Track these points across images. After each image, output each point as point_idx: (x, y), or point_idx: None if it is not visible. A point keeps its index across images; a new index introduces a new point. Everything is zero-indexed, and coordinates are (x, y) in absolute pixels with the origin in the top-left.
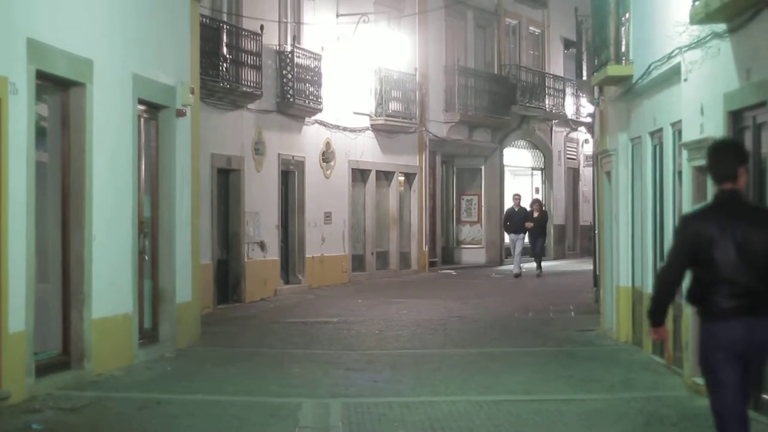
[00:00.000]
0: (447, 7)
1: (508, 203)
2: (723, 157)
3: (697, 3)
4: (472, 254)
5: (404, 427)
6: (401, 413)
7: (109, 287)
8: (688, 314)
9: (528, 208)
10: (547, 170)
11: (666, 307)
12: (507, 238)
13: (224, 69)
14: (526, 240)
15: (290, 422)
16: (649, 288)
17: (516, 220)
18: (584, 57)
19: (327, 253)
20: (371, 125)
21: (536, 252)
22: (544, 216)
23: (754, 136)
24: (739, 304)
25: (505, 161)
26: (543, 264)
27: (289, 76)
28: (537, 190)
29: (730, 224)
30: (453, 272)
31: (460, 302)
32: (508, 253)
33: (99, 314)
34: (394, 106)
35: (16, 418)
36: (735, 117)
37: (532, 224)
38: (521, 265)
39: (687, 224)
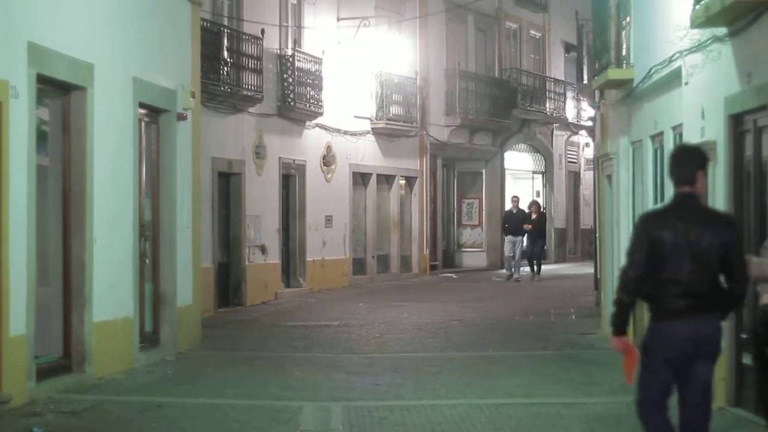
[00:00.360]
0: (448, 11)
1: (509, 206)
2: (683, 161)
3: (697, 7)
4: (473, 257)
5: (405, 431)
6: (402, 417)
7: (110, 290)
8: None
9: (526, 210)
10: (548, 174)
11: (630, 309)
12: (505, 240)
13: (225, 73)
14: (525, 242)
15: (291, 426)
16: None
17: (514, 223)
18: (585, 60)
19: (328, 256)
20: (372, 129)
21: (535, 254)
22: (542, 218)
23: (755, 140)
24: (689, 304)
25: (506, 165)
26: (544, 267)
27: (290, 79)
28: (538, 194)
29: (685, 226)
30: (454, 275)
31: (460, 305)
32: None
33: (100, 317)
34: (394, 109)
35: (16, 421)
36: (736, 120)
37: (530, 226)
38: (521, 268)
39: (644, 225)
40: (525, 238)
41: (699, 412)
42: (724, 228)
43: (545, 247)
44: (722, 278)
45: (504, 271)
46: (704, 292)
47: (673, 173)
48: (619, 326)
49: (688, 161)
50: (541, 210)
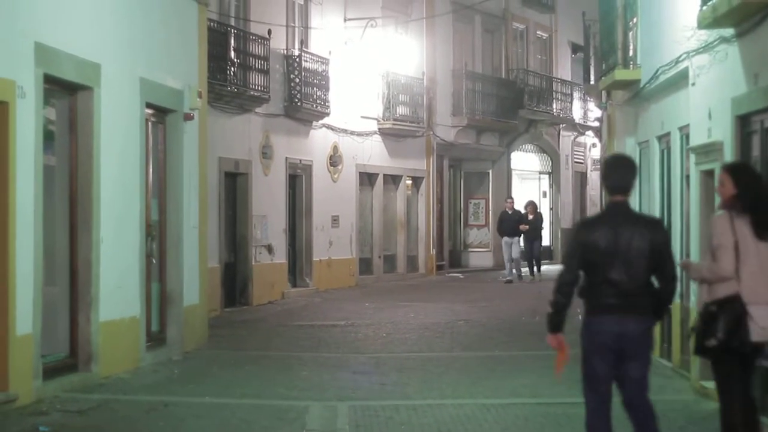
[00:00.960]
0: (454, 11)
1: (516, 207)
2: (619, 172)
3: (704, 7)
4: (480, 258)
5: (411, 430)
6: (408, 416)
7: (117, 290)
8: (696, 318)
9: (522, 211)
10: (554, 174)
11: (566, 309)
12: (502, 242)
13: (232, 73)
14: (522, 243)
15: (297, 425)
16: None
17: (509, 224)
18: (592, 61)
19: (334, 256)
20: (379, 129)
21: (534, 255)
22: (538, 218)
23: (762, 141)
24: (618, 302)
25: (513, 165)
26: (550, 267)
27: (297, 80)
28: (545, 194)
29: (617, 232)
30: (460, 275)
31: (467, 305)
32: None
33: (106, 317)
34: (401, 110)
35: (23, 420)
36: (743, 121)
37: (527, 227)
38: (522, 269)
39: (580, 231)
40: (521, 239)
41: (637, 408)
42: (653, 232)
43: (542, 248)
44: (654, 279)
45: (505, 273)
46: (634, 292)
47: (609, 182)
48: (555, 325)
49: (624, 172)
50: (537, 210)
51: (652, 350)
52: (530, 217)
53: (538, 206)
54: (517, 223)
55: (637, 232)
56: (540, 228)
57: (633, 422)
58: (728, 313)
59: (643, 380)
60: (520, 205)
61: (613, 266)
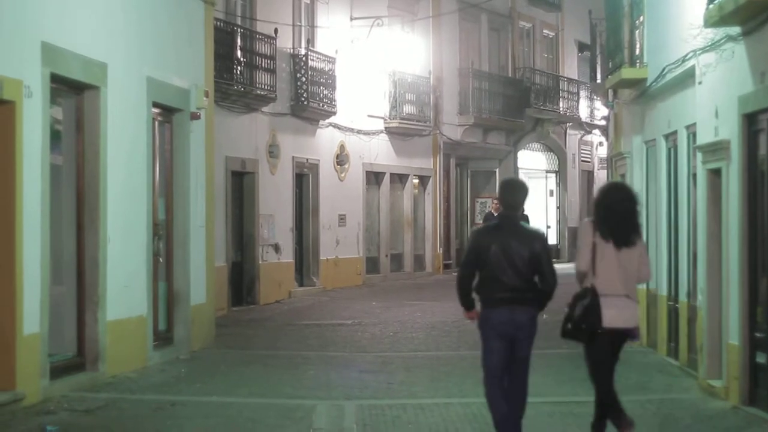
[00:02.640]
0: (461, 10)
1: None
2: (512, 193)
3: (711, 6)
4: None
5: (418, 429)
6: (415, 415)
7: (124, 289)
8: (703, 317)
9: None
10: (561, 173)
11: (469, 295)
12: None
13: (238, 72)
14: None
15: (304, 424)
16: (663, 290)
17: None
18: (598, 60)
19: (341, 255)
20: (385, 128)
21: None
22: (524, 220)
23: None
24: (506, 296)
25: (520, 164)
26: (558, 266)
27: (303, 79)
28: (551, 193)
29: (504, 240)
30: None
31: None
32: None
33: (113, 316)
34: (408, 109)
35: (30, 419)
36: (749, 120)
37: None
38: None
39: (475, 237)
40: None
41: (519, 381)
42: (533, 242)
43: None
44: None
45: None
46: (519, 288)
47: (504, 200)
48: (467, 305)
49: (516, 193)
50: (523, 212)
51: (536, 335)
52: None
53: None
54: None
55: (520, 241)
56: None
57: (510, 384)
58: (581, 302)
59: (527, 359)
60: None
61: (502, 267)
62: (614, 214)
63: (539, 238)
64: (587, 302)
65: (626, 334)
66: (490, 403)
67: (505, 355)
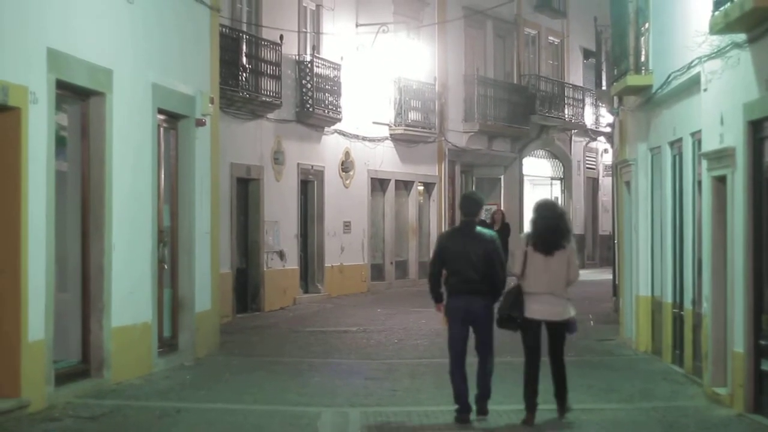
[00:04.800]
0: (466, 17)
1: (528, 213)
2: (469, 204)
3: (716, 13)
4: None
5: None
6: (420, 422)
7: (129, 296)
8: (708, 325)
9: (488, 221)
10: (566, 180)
11: (436, 289)
12: None
13: (244, 79)
14: None
15: (309, 431)
16: (668, 297)
17: None
18: (603, 67)
19: (346, 262)
20: (390, 135)
21: None
22: (505, 229)
23: None
24: (464, 287)
25: (525, 171)
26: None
27: (309, 85)
28: (557, 200)
29: (463, 240)
30: None
31: None
32: None
33: (118, 323)
34: (413, 115)
35: (35, 426)
36: (755, 127)
37: None
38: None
39: (441, 239)
40: None
41: (482, 358)
42: (486, 243)
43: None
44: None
45: None
46: (474, 280)
47: (463, 209)
48: (436, 297)
49: (472, 204)
50: (505, 221)
51: (493, 321)
52: (496, 227)
53: (505, 215)
54: None
55: (475, 242)
56: (507, 240)
57: (478, 363)
58: (508, 298)
59: (488, 341)
60: (523, 208)
61: (460, 263)
62: (541, 228)
63: (491, 241)
64: (512, 298)
65: (557, 327)
66: (452, 379)
67: (465, 336)
